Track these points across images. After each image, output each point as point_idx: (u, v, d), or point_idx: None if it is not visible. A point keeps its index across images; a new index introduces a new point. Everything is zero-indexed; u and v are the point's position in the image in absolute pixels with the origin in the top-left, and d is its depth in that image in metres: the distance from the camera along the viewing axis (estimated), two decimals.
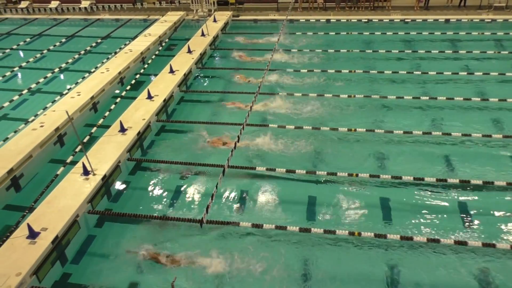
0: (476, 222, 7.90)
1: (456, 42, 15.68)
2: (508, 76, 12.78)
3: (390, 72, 13.41)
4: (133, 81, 14.14)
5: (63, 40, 18.17)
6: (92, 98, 12.36)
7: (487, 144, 9.91)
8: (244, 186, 9.07)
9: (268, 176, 9.25)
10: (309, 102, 11.98)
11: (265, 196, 8.82)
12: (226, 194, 8.92)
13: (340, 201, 8.52)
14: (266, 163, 9.56)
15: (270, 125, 10.93)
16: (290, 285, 6.87)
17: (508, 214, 7.99)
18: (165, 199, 8.95)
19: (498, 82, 12.66)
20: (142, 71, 15.00)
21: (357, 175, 8.96)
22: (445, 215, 8.05)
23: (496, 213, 8.03)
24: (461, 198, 8.42)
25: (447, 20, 17.58)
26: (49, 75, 14.82)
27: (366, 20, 18.20)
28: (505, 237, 7.48)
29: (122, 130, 10.44)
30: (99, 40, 17.95)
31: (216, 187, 8.19)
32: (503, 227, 7.72)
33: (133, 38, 17.29)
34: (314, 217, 8.20)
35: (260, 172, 9.30)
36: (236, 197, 8.84)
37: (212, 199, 7.95)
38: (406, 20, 17.92)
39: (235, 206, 8.66)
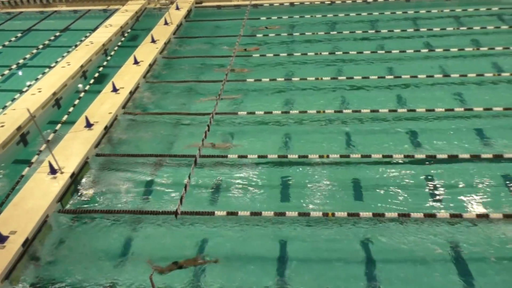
0: (443, 194, 8.22)
1: (418, 20, 16.02)
2: (467, 52, 13.19)
3: (355, 52, 13.58)
4: (96, 74, 13.70)
5: (19, 34, 17.32)
6: (54, 94, 11.95)
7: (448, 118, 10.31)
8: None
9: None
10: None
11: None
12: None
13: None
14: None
15: (239, 112, 10.92)
16: None
17: (472, 184, 8.37)
18: (137, 193, 8.81)
19: (457, 57, 13.05)
20: (105, 63, 14.53)
21: (328, 156, 9.18)
22: (414, 190, 8.33)
23: (461, 185, 8.40)
24: (428, 173, 8.74)
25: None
26: (6, 72, 14.14)
27: (330, 2, 18.27)
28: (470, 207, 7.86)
29: (88, 125, 10.18)
30: (57, 33, 17.22)
31: (189, 178, 8.17)
32: (468, 197, 8.10)
33: (94, 30, 16.68)
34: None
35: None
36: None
37: (185, 190, 7.93)
38: (368, 1, 18.11)
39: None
